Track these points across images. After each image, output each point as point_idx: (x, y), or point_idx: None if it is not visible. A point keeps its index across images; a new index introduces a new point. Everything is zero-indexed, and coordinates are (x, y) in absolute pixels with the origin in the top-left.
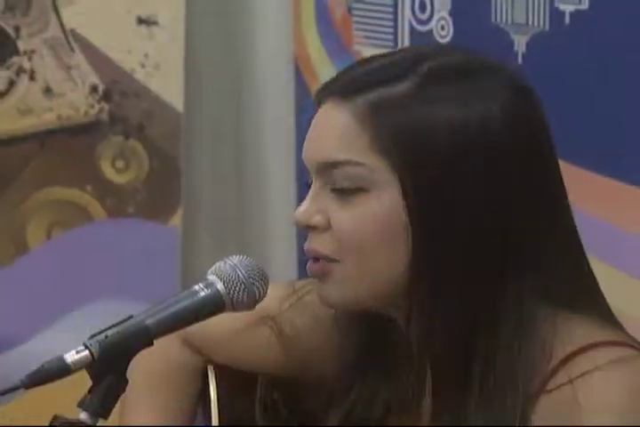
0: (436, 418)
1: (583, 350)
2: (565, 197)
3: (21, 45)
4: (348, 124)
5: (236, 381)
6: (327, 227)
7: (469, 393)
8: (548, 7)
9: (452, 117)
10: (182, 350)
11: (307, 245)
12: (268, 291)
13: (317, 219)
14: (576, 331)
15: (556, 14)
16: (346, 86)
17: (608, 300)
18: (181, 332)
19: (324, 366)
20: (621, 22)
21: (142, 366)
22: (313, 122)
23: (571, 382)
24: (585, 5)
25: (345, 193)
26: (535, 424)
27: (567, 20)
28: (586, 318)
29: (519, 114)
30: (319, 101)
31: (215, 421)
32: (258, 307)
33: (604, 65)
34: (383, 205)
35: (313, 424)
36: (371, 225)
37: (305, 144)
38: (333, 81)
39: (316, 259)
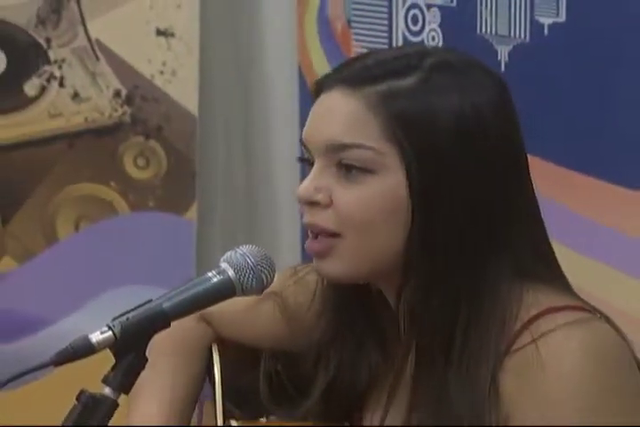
0: (419, 384)
1: (544, 313)
2: (531, 183)
3: (52, 55)
4: (358, 111)
5: (238, 357)
6: (329, 203)
7: (450, 359)
8: (529, 20)
9: (453, 107)
10: (197, 324)
11: (306, 219)
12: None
13: (320, 196)
14: (538, 298)
15: (535, 26)
16: (355, 76)
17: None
18: None
19: (314, 331)
20: (595, 34)
21: (160, 337)
22: (317, 107)
23: (533, 340)
24: (562, 18)
25: (352, 173)
26: (504, 382)
27: (546, 31)
28: (546, 286)
29: (504, 107)
30: (321, 89)
31: (219, 397)
32: None
33: (579, 72)
34: (388, 186)
35: (305, 390)
36: (375, 204)
37: (309, 127)
38: (339, 71)
39: (315, 237)
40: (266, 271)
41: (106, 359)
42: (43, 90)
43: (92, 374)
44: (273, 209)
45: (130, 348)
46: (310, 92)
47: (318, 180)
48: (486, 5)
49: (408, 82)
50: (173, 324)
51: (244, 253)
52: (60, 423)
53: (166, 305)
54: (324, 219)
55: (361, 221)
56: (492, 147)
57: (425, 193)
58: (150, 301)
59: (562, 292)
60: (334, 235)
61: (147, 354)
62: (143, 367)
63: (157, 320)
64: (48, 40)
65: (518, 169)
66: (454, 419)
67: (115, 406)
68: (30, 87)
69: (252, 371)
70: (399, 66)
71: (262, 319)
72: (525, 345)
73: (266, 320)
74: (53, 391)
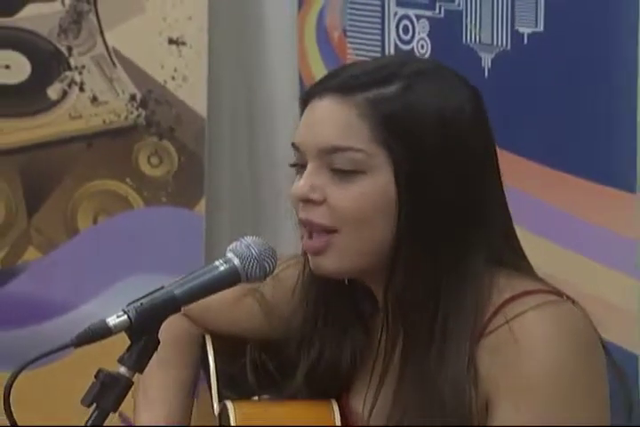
0: (405, 366)
1: (516, 297)
2: (500, 178)
3: (73, 62)
4: (349, 116)
5: (228, 347)
6: (323, 201)
7: (432, 342)
8: (510, 30)
9: (435, 110)
10: (182, 323)
11: (302, 216)
12: None
13: (315, 194)
14: (509, 282)
15: (516, 36)
16: (344, 85)
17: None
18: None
19: (293, 322)
20: (570, 43)
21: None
22: (310, 113)
23: (507, 322)
24: (540, 28)
25: (345, 174)
26: (481, 360)
27: (525, 40)
28: (516, 272)
29: (478, 109)
30: (311, 97)
31: (214, 383)
32: (242, 284)
33: (556, 78)
34: (378, 185)
35: (289, 374)
36: (367, 201)
37: (302, 132)
38: (327, 81)
39: (310, 236)
40: (268, 260)
41: (121, 341)
42: (64, 94)
43: (109, 355)
44: (275, 203)
45: (143, 331)
46: (300, 100)
47: (313, 179)
48: (471, 17)
49: (392, 89)
50: (162, 325)
51: (248, 243)
52: (79, 398)
53: (177, 291)
54: (318, 215)
55: (354, 217)
56: (470, 147)
57: (411, 190)
58: (162, 288)
59: (530, 277)
60: (330, 230)
61: (158, 337)
62: (156, 349)
63: (169, 305)
64: (69, 48)
65: (491, 166)
66: (437, 399)
67: (130, 384)
68: (53, 91)
69: (242, 358)
70: (383, 74)
71: (243, 314)
72: (500, 326)
73: (247, 315)
74: (74, 370)
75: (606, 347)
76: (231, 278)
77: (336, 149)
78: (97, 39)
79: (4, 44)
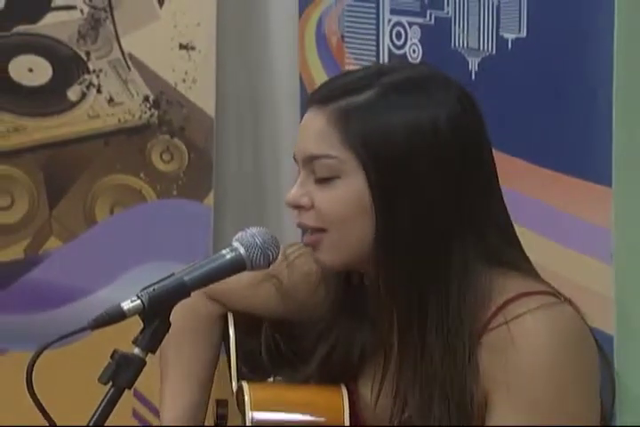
0: (403, 355)
1: (516, 298)
2: (496, 178)
3: (91, 66)
4: (322, 126)
5: (248, 327)
6: (311, 206)
7: (428, 334)
8: (495, 36)
9: (407, 120)
10: (206, 302)
11: (297, 220)
12: None
13: (304, 200)
14: (509, 283)
15: (501, 41)
16: (322, 96)
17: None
18: (205, 288)
19: (313, 312)
20: (551, 48)
21: (176, 317)
22: (300, 125)
23: (506, 322)
24: (523, 34)
25: (324, 179)
26: (480, 357)
27: (510, 45)
28: (517, 273)
29: (462, 117)
30: (305, 109)
31: (234, 361)
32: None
33: (537, 80)
34: (353, 187)
35: (305, 359)
36: (345, 203)
37: (296, 143)
38: (315, 92)
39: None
40: (272, 249)
41: (135, 324)
42: (83, 95)
43: (123, 337)
44: (278, 196)
45: (156, 314)
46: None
47: (302, 187)
48: (459, 24)
49: (363, 98)
50: (186, 303)
51: (253, 233)
52: (96, 377)
53: (187, 278)
54: (308, 218)
55: (336, 218)
56: (449, 150)
57: (382, 192)
58: (173, 274)
59: (530, 278)
60: (320, 230)
61: (170, 320)
62: (167, 331)
63: (179, 291)
64: (88, 53)
65: (479, 167)
66: (440, 391)
67: (143, 363)
68: (72, 93)
69: (258, 337)
70: (357, 84)
71: (261, 296)
72: (499, 325)
73: (264, 297)
74: (91, 351)
75: (600, 345)
76: (237, 266)
77: (314, 158)
78: (113, 45)
79: (28, 49)
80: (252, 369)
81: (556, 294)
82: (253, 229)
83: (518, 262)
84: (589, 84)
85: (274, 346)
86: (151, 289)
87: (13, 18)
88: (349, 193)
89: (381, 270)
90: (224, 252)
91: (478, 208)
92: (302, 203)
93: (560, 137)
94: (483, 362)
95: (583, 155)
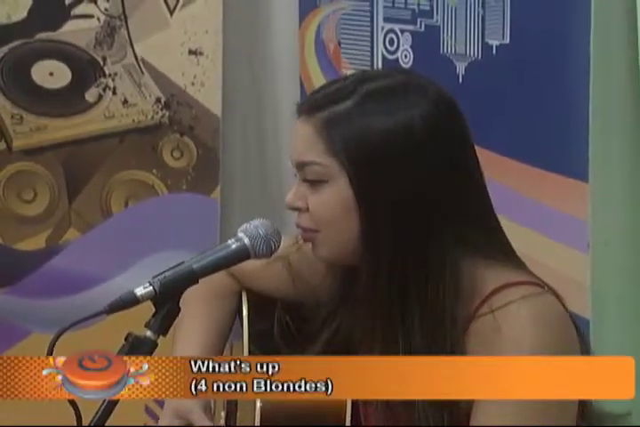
0: (388, 345)
1: (501, 288)
2: (478, 175)
3: (107, 70)
4: (309, 134)
5: (262, 305)
6: (306, 208)
7: (409, 324)
8: (481, 42)
9: (382, 125)
10: (223, 278)
11: (296, 221)
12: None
13: (299, 203)
14: (494, 274)
15: (486, 47)
16: (309, 106)
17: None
18: None
19: (321, 296)
20: (532, 53)
21: (193, 290)
22: (292, 133)
23: (492, 311)
24: (507, 41)
25: (313, 184)
26: (467, 344)
27: (494, 51)
28: (499, 263)
29: (437, 120)
30: (296, 116)
31: (246, 334)
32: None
33: (519, 82)
34: (338, 190)
35: (312, 340)
36: (332, 205)
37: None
38: (302, 102)
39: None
40: (274, 240)
41: (147, 309)
42: (99, 97)
43: (136, 321)
44: (280, 190)
45: (166, 300)
46: None
47: (297, 191)
48: (447, 31)
49: (343, 106)
50: (207, 278)
51: (256, 225)
52: None
53: (195, 266)
54: (304, 220)
55: (325, 219)
56: (423, 152)
57: (363, 193)
58: (182, 262)
59: (514, 268)
60: (313, 230)
61: (183, 302)
62: (177, 315)
63: (188, 278)
64: (104, 58)
65: (456, 167)
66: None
67: (155, 345)
68: (90, 95)
69: (270, 316)
70: (338, 94)
71: (273, 277)
72: (485, 314)
73: (275, 277)
74: (107, 334)
75: (581, 332)
76: (241, 255)
77: (304, 164)
78: (127, 50)
79: (49, 54)
80: (261, 348)
81: (539, 283)
82: (257, 221)
83: (502, 254)
84: (568, 87)
85: (285, 326)
86: (162, 276)
87: (35, 26)
88: (336, 196)
89: (364, 264)
90: (230, 242)
91: (456, 204)
92: (298, 205)
93: (540, 136)
94: (469, 348)
95: (562, 152)
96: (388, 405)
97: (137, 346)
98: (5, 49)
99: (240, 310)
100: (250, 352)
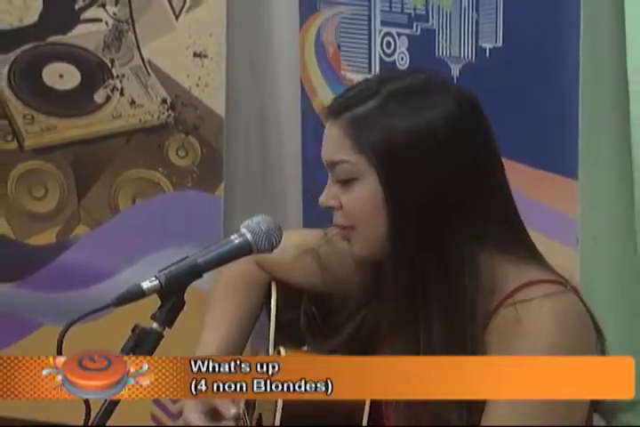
0: (410, 337)
1: (524, 286)
2: (500, 171)
3: (115, 72)
4: (337, 135)
5: (288, 296)
6: (340, 206)
7: (432, 317)
8: (474, 45)
9: (406, 124)
10: (253, 269)
11: (333, 220)
12: (311, 232)
13: (332, 202)
14: (515, 271)
15: (479, 50)
16: (335, 109)
17: None
18: (255, 256)
19: (348, 287)
20: (524, 55)
21: (226, 277)
22: (323, 134)
23: (514, 304)
24: (500, 44)
25: (344, 182)
26: (488, 339)
27: (487, 53)
28: (521, 259)
29: (461, 120)
30: (326, 118)
31: (272, 328)
32: (303, 243)
33: (512, 83)
34: (368, 187)
35: (337, 331)
36: (364, 201)
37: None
38: (329, 106)
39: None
40: (275, 235)
41: (153, 302)
42: (108, 98)
43: (142, 313)
44: (282, 187)
45: (172, 293)
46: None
47: (329, 190)
48: (442, 34)
49: (368, 107)
50: (235, 267)
51: (258, 221)
52: (119, 348)
53: (200, 260)
54: (339, 218)
55: (358, 215)
56: (446, 149)
57: (391, 189)
58: (187, 257)
59: (538, 266)
60: (349, 227)
61: (213, 291)
62: (182, 308)
63: (193, 272)
64: (112, 60)
65: (479, 164)
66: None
67: (160, 337)
68: (99, 96)
69: (297, 307)
70: (363, 95)
71: (302, 268)
72: (507, 307)
73: (305, 269)
74: (114, 326)
75: (600, 331)
76: (244, 250)
77: (334, 163)
78: (134, 53)
79: (59, 57)
80: (287, 338)
81: (562, 282)
82: (259, 218)
83: (524, 251)
84: (558, 89)
85: (311, 317)
86: (168, 270)
87: (46, 30)
88: (366, 192)
89: (388, 261)
90: (233, 237)
91: (479, 202)
92: (331, 204)
93: (531, 135)
94: (490, 343)
95: (553, 151)
96: (409, 404)
97: (143, 337)
98: (18, 51)
99: (267, 300)
100: (276, 343)
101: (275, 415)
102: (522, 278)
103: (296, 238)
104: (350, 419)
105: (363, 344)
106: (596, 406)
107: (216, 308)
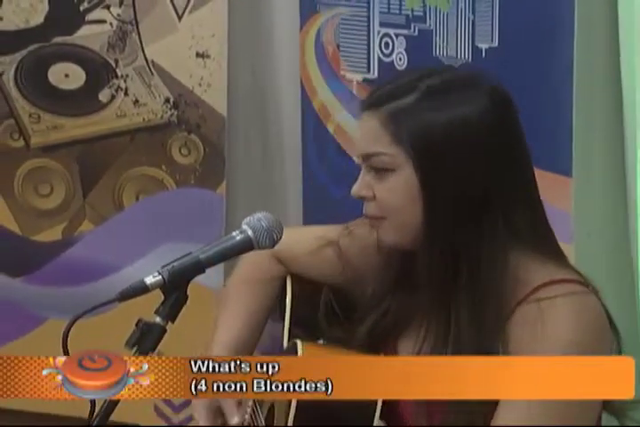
0: (437, 330)
1: (546, 284)
2: (529, 168)
3: (119, 72)
4: (375, 127)
5: (306, 290)
6: (373, 196)
7: (460, 308)
8: (471, 45)
9: (442, 120)
10: (270, 262)
11: (364, 210)
12: (332, 227)
13: (364, 192)
14: (539, 268)
15: (476, 50)
16: (374, 101)
17: None
18: (273, 249)
19: (369, 279)
20: (519, 55)
21: (243, 270)
22: (358, 126)
23: (538, 302)
24: (495, 44)
25: (380, 173)
26: (509, 332)
27: (484, 53)
28: (545, 257)
29: (492, 112)
30: (358, 114)
31: (287, 321)
32: (325, 236)
33: (508, 83)
34: (405, 179)
35: (359, 321)
36: (399, 192)
37: (356, 142)
38: (367, 98)
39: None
40: (276, 231)
41: (156, 297)
42: (112, 98)
43: (146, 308)
44: (282, 184)
45: (175, 288)
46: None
47: (362, 181)
48: (439, 35)
49: (406, 101)
50: (252, 261)
51: (259, 217)
52: (123, 342)
53: (202, 256)
54: (370, 208)
55: (393, 206)
56: (481, 142)
57: (427, 180)
58: (190, 253)
59: (561, 265)
60: (380, 218)
61: (228, 284)
62: (185, 302)
63: (195, 268)
64: (116, 60)
65: (511, 158)
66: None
67: (164, 331)
68: (103, 95)
69: (316, 300)
70: (402, 89)
71: (322, 262)
72: (531, 306)
73: (325, 263)
74: (118, 320)
75: (618, 333)
76: (245, 246)
77: (371, 155)
78: (138, 53)
79: (65, 57)
80: (304, 331)
81: (584, 283)
82: (260, 214)
83: (548, 248)
84: (553, 87)
85: (330, 310)
86: (170, 266)
87: (52, 31)
88: (402, 184)
89: (421, 251)
90: (234, 233)
91: (510, 197)
92: (364, 194)
93: (527, 134)
94: (512, 336)
95: (547, 148)
96: (421, 401)
97: (147, 331)
98: (24, 52)
99: (282, 294)
100: (290, 335)
101: (288, 412)
102: (546, 276)
103: (317, 231)
104: (362, 413)
105: (385, 332)
106: (604, 404)
107: (231, 304)
